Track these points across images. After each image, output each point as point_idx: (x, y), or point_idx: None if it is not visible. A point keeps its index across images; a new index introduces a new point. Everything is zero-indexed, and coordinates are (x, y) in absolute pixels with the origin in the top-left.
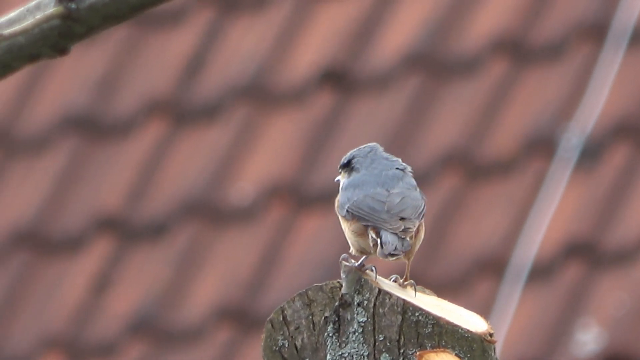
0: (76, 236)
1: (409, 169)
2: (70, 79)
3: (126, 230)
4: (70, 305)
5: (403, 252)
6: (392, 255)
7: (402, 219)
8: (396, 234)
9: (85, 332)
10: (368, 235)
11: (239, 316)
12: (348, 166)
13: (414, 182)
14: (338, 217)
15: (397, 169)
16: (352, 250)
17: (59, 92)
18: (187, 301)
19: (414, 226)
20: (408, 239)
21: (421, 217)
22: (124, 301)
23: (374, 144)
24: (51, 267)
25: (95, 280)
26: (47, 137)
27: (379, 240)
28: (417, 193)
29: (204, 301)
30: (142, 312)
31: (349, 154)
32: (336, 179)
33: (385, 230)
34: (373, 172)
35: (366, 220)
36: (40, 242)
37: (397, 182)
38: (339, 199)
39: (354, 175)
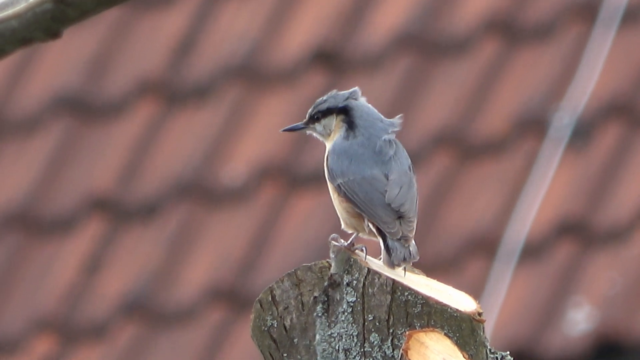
0: (68, 217)
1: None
2: (61, 60)
3: (118, 211)
4: (62, 286)
5: (412, 261)
6: (400, 265)
7: (399, 216)
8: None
9: (77, 313)
10: (362, 219)
11: (231, 297)
12: (346, 115)
13: (405, 153)
14: (326, 180)
15: (389, 138)
16: (342, 223)
17: (51, 73)
18: (179, 282)
19: (414, 230)
20: (412, 245)
21: (416, 213)
22: (116, 282)
23: (356, 89)
24: (43, 248)
25: (87, 261)
26: (38, 118)
27: (383, 245)
28: (411, 176)
29: (196, 282)
30: (134, 293)
31: (340, 95)
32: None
33: (384, 230)
34: (370, 140)
35: (360, 208)
36: (32, 223)
37: (393, 160)
38: (329, 165)
39: (351, 136)
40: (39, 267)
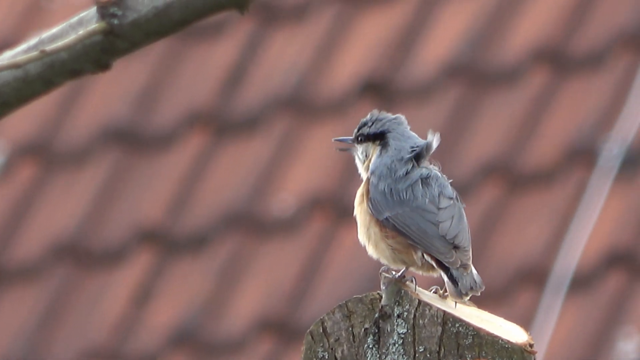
0: (118, 249)
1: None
2: (111, 92)
3: (168, 243)
4: (112, 317)
5: (480, 290)
6: (468, 294)
7: (455, 247)
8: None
9: (127, 344)
10: (413, 254)
11: (281, 328)
12: (382, 139)
13: (446, 182)
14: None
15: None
16: (382, 259)
17: (100, 105)
18: (229, 313)
19: (470, 258)
20: (475, 273)
21: (470, 242)
22: (165, 313)
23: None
24: (93, 280)
25: (137, 293)
26: (88, 150)
27: (446, 276)
28: (459, 205)
29: (246, 313)
30: (183, 324)
31: (383, 119)
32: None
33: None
34: (400, 160)
35: (413, 240)
36: (82, 255)
37: (435, 184)
38: (372, 197)
39: (383, 160)
40: (90, 298)
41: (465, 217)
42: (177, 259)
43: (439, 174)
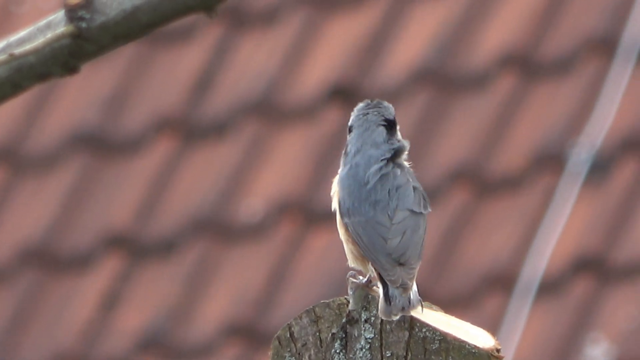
0: (86, 254)
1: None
2: (80, 97)
3: (136, 248)
4: (80, 322)
5: (410, 311)
6: (398, 314)
7: (400, 264)
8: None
9: (95, 349)
10: (367, 263)
11: (248, 333)
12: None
13: (416, 183)
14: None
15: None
16: (348, 261)
17: (69, 110)
18: (197, 318)
19: (414, 277)
20: (414, 292)
21: (421, 256)
22: (133, 318)
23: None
24: (61, 284)
25: (105, 298)
26: (56, 155)
27: (382, 293)
28: (418, 216)
29: (214, 318)
30: (152, 329)
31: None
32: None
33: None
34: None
35: (364, 252)
36: (50, 260)
37: (398, 196)
38: (340, 198)
39: (346, 164)
40: (58, 303)
41: (422, 229)
42: (145, 264)
43: (407, 179)
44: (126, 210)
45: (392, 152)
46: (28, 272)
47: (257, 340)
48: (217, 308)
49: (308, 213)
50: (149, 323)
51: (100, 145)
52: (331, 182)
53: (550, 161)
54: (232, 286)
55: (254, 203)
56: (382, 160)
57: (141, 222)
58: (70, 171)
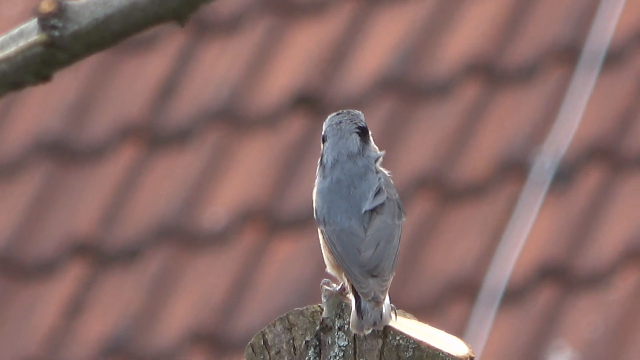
0: (49, 261)
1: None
2: (43, 104)
3: (99, 255)
4: (43, 330)
5: (381, 326)
6: (369, 329)
7: (373, 276)
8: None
9: (58, 356)
10: (342, 272)
11: (212, 340)
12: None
13: (393, 190)
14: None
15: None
16: (327, 266)
17: (32, 117)
18: (161, 325)
19: (387, 289)
20: (386, 306)
21: (394, 267)
22: (97, 326)
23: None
24: (24, 292)
25: (69, 305)
26: (19, 162)
27: (354, 305)
28: (393, 226)
29: (177, 325)
30: (115, 336)
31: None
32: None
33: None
34: (340, 181)
35: (337, 262)
36: (13, 267)
37: (370, 202)
38: (315, 207)
39: (324, 174)
40: (21, 311)
41: (396, 239)
42: (108, 272)
43: (382, 187)
44: (90, 217)
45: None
46: None
47: (220, 347)
48: (180, 315)
49: (272, 221)
50: (113, 330)
51: (64, 152)
52: (297, 191)
53: (514, 169)
54: (195, 293)
55: (217, 211)
56: (375, 188)
57: (105, 229)
58: (34, 178)
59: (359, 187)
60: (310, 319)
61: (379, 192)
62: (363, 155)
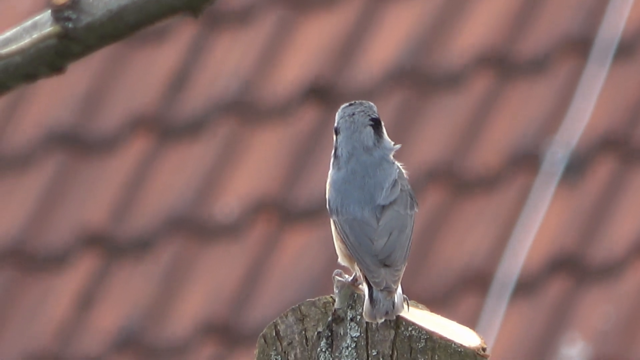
0: (61, 253)
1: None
2: (55, 96)
3: (111, 247)
4: (55, 321)
5: (394, 315)
6: (382, 318)
7: (386, 265)
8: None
9: (70, 348)
10: (354, 262)
11: (224, 332)
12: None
13: (405, 182)
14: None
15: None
16: (339, 257)
17: (44, 109)
18: (172, 317)
19: (399, 279)
20: (398, 295)
21: (407, 257)
22: (109, 317)
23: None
24: (36, 283)
25: (81, 297)
26: (31, 154)
27: (367, 295)
28: (406, 216)
29: (189, 317)
30: (127, 328)
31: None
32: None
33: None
34: (355, 173)
35: (350, 251)
36: (25, 259)
37: (387, 194)
38: (328, 197)
39: (338, 165)
40: (33, 302)
41: (408, 229)
42: (120, 263)
43: (396, 178)
44: (102, 209)
45: (396, 170)
46: (3, 270)
47: (232, 338)
48: (192, 307)
49: (283, 212)
50: (125, 321)
51: (75, 144)
52: (309, 182)
53: (526, 160)
54: (207, 285)
55: (229, 202)
56: (392, 181)
57: (117, 220)
58: (46, 170)
59: (374, 176)
60: (323, 310)
61: (394, 184)
62: (379, 148)
